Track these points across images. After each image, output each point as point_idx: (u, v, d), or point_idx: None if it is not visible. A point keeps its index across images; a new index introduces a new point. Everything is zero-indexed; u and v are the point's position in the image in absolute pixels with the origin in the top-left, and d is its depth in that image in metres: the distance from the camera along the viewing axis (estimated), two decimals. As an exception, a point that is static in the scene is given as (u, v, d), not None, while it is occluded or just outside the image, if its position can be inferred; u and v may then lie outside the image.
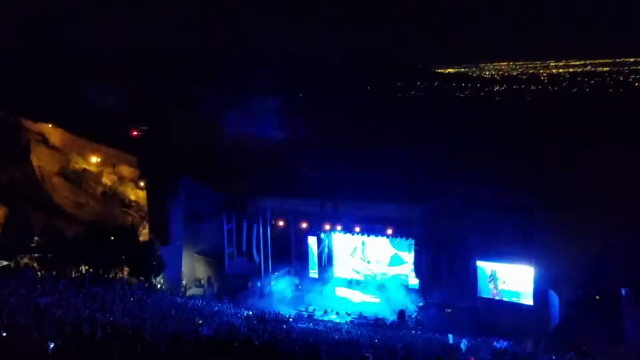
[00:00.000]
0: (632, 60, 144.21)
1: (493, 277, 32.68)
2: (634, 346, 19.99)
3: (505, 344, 26.88)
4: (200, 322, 24.04)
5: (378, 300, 36.62)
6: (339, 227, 36.97)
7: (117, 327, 16.95)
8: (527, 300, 31.78)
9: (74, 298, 23.33)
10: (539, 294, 31.08)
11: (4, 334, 12.87)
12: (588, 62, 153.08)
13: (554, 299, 29.97)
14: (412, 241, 35.97)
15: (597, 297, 26.92)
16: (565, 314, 28.59)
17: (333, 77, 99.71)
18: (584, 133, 54.47)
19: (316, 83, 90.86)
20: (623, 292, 21.11)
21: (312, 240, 39.49)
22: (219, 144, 44.66)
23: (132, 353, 9.07)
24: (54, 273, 28.89)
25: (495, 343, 26.62)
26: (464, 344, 24.46)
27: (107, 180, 48.33)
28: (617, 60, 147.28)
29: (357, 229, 36.39)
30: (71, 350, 9.64)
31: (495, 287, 32.67)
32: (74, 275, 31.67)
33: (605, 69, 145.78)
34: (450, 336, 27.27)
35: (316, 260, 39.58)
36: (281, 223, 37.82)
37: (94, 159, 49.68)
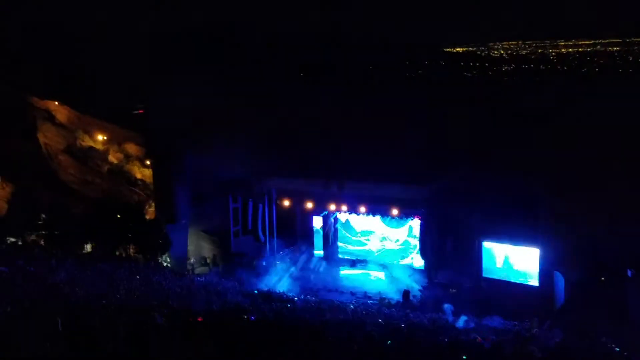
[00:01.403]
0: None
1: (506, 258, 32.74)
2: (638, 327, 20.01)
3: (498, 321, 26.90)
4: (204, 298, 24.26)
5: (383, 279, 36.89)
6: (344, 207, 37.05)
7: (125, 304, 17.13)
8: (533, 281, 31.90)
9: (82, 275, 23.62)
10: (544, 275, 31.14)
11: (14, 310, 13.01)
12: (598, 41, 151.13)
13: (559, 280, 30.02)
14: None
15: (602, 278, 26.93)
16: (570, 294, 28.64)
17: (338, 55, 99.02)
18: (590, 113, 53.99)
19: (320, 62, 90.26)
20: (629, 273, 21.07)
21: (317, 220, 39.62)
22: (222, 123, 44.57)
23: (140, 330, 9.14)
24: (60, 250, 29.13)
25: (488, 322, 26.58)
26: (462, 321, 24.52)
27: (113, 158, 48.47)
28: (627, 40, 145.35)
29: (362, 209, 36.47)
30: (80, 327, 9.72)
31: (506, 269, 32.74)
32: (81, 253, 31.98)
33: (615, 48, 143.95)
34: (448, 307, 27.41)
35: (321, 240, 39.78)
36: (286, 202, 37.86)
37: (100, 137, 49.77)
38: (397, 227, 38.37)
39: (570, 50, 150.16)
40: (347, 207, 37.15)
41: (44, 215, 37.38)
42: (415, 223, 37.16)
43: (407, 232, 38.06)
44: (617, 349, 12.22)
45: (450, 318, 26.37)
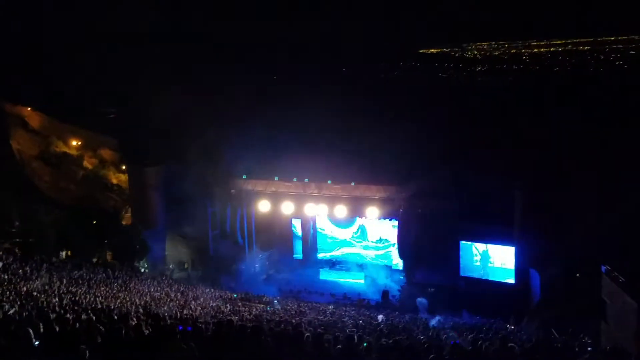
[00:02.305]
0: (612, 39, 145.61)
1: (484, 256, 33.11)
2: (613, 323, 20.35)
3: (469, 318, 27.06)
4: (183, 303, 24.12)
5: (362, 281, 36.96)
6: (322, 209, 37.04)
7: (101, 311, 16.92)
8: (509, 279, 32.30)
9: (57, 283, 23.25)
10: (521, 272, 31.58)
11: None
12: (569, 41, 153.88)
13: (535, 277, 30.43)
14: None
15: (577, 274, 27.34)
16: (545, 291, 29.04)
17: (314, 57, 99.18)
18: (563, 112, 54.88)
19: (299, 62, 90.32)
20: (603, 269, 21.40)
21: (296, 223, 39.59)
22: (200, 126, 44.35)
23: (116, 337, 9.06)
24: (35, 258, 28.60)
25: (463, 319, 26.73)
26: (435, 320, 24.63)
27: (88, 164, 47.89)
28: (598, 39, 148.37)
29: (341, 210, 36.50)
30: (54, 335, 9.59)
31: (483, 267, 33.11)
32: (56, 260, 31.43)
33: (586, 48, 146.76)
34: (421, 301, 27.55)
35: (300, 242, 39.75)
36: (265, 205, 37.74)
37: (74, 143, 49.15)
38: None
39: (543, 50, 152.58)
40: (326, 208, 37.17)
41: (17, 223, 36.73)
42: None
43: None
44: (590, 349, 12.43)
45: (424, 314, 26.52)
